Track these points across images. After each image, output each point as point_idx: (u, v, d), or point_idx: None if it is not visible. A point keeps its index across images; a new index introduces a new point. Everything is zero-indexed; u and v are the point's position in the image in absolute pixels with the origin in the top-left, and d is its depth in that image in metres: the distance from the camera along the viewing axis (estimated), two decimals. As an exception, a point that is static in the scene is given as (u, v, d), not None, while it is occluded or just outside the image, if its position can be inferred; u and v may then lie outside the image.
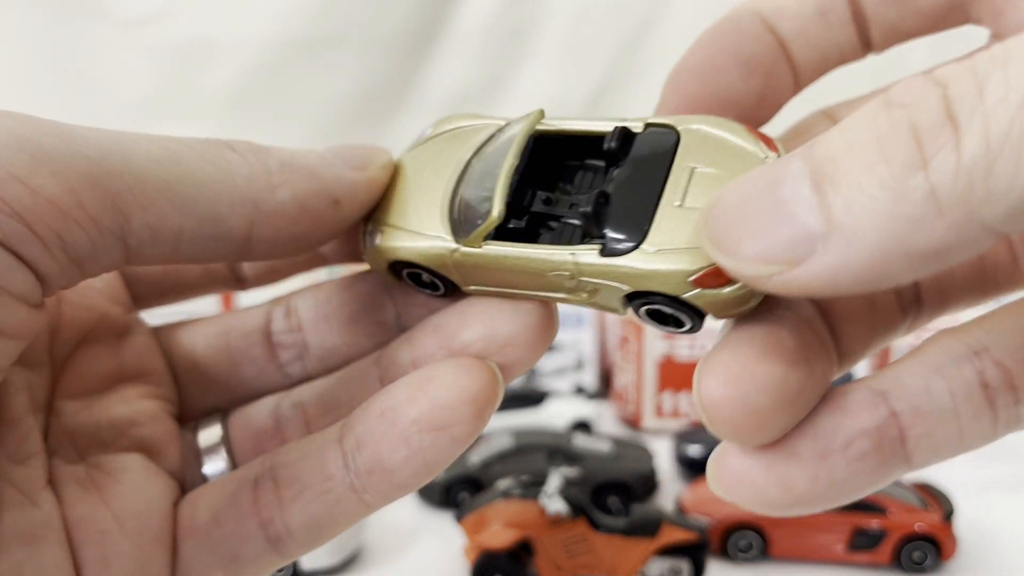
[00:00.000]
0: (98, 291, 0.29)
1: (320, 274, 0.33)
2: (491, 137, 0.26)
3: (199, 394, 0.30)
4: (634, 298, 0.23)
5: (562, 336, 1.02)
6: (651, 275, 0.22)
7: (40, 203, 0.19)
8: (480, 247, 0.24)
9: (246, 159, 0.23)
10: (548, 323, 0.25)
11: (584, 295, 0.24)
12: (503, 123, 0.26)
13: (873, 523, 0.66)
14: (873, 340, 0.24)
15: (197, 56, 1.36)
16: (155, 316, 0.31)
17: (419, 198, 0.26)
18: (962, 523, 0.68)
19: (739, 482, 0.21)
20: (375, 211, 0.27)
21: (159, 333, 0.30)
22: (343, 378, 0.28)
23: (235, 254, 0.24)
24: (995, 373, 0.20)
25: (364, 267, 0.29)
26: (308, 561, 0.67)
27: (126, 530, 0.24)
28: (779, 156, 0.22)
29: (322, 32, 1.37)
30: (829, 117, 0.26)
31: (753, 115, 0.25)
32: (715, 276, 0.21)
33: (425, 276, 0.26)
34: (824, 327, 0.22)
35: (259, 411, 0.29)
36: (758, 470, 0.21)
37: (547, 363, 1.02)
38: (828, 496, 0.20)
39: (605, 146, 0.24)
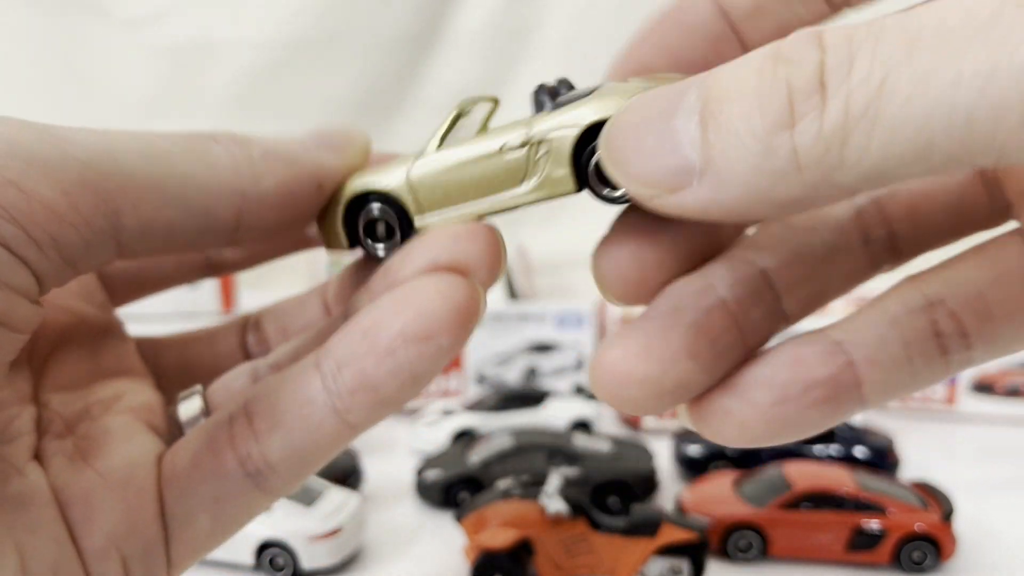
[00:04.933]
0: (72, 292, 0.30)
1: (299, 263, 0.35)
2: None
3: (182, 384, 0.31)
4: (584, 146, 0.23)
5: (562, 336, 1.03)
6: (600, 103, 0.23)
7: (35, 207, 0.20)
8: (436, 151, 0.25)
9: (229, 150, 0.24)
10: (495, 244, 0.25)
11: (535, 180, 0.24)
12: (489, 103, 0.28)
13: (873, 523, 0.66)
14: (830, 295, 0.25)
15: (197, 56, 1.37)
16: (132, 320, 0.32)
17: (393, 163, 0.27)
18: (962, 523, 0.68)
19: (699, 418, 0.23)
20: None
21: (142, 345, 0.31)
22: (314, 332, 0.29)
23: (224, 242, 0.25)
24: (948, 323, 0.22)
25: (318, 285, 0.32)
26: (308, 561, 0.67)
27: (110, 484, 0.25)
28: None
29: (322, 32, 1.37)
30: None
31: None
32: None
33: (379, 223, 0.27)
34: (767, 293, 0.23)
35: (236, 376, 0.29)
36: (721, 413, 0.22)
37: (547, 363, 1.03)
38: (783, 434, 0.22)
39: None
